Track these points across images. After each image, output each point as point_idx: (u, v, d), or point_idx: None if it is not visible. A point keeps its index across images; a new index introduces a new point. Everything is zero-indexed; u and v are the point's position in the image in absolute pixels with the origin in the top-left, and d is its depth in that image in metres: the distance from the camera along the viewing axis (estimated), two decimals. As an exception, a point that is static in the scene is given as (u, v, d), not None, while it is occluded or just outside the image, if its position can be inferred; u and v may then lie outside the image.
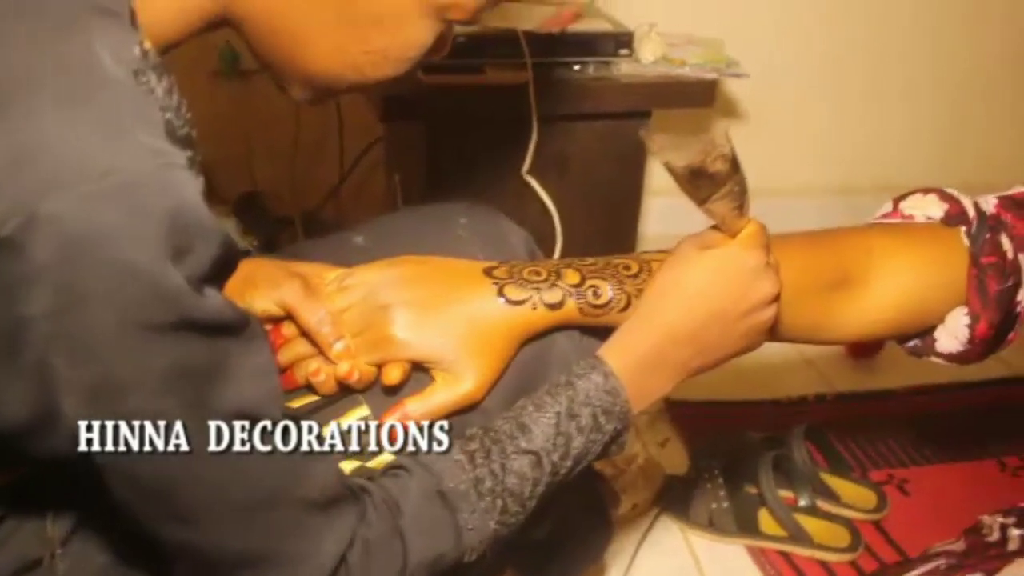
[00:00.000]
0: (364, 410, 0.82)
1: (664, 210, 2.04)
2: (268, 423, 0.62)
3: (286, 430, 0.64)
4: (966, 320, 0.92)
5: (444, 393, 0.81)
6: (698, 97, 1.67)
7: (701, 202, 0.77)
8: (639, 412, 0.82)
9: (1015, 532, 1.02)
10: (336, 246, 0.95)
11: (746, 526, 1.52)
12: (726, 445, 1.64)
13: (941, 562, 1.06)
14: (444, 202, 1.01)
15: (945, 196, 0.96)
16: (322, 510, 0.66)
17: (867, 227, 0.98)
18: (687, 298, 0.80)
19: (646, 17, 1.74)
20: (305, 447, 0.65)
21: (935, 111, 2.43)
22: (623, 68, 1.63)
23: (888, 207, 1.00)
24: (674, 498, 1.55)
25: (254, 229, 2.00)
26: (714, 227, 0.82)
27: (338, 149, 2.11)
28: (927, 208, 0.96)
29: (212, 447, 0.60)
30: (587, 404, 0.77)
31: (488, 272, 0.85)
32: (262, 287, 0.84)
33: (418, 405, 0.80)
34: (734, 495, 1.53)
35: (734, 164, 0.76)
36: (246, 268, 0.86)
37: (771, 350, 1.97)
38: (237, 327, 0.60)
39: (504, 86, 1.52)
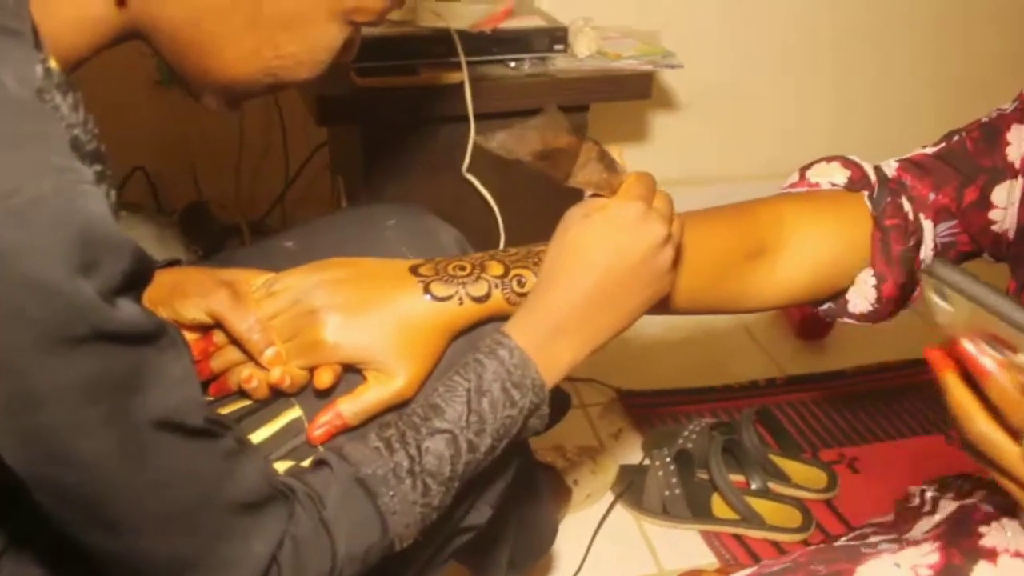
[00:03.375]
0: (297, 412, 0.83)
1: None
2: (190, 429, 0.62)
3: (208, 435, 0.64)
4: (873, 281, 0.94)
5: (376, 392, 0.82)
6: (634, 90, 1.68)
7: (566, 179, 0.78)
8: (557, 382, 0.82)
9: (929, 495, 1.05)
10: (267, 251, 0.96)
11: (699, 511, 1.53)
12: (677, 433, 1.66)
13: (867, 530, 1.09)
14: (385, 204, 1.02)
15: (847, 163, 0.99)
16: (250, 512, 0.66)
17: (777, 197, 1.01)
18: (577, 262, 0.81)
19: (583, 12, 1.76)
20: (228, 451, 0.66)
21: (869, 95, 2.46)
22: (559, 63, 1.64)
23: (795, 177, 1.03)
24: (628, 487, 1.57)
25: (200, 238, 1.99)
26: (594, 195, 0.83)
27: (283, 156, 2.11)
28: (831, 175, 0.99)
29: (134, 456, 0.60)
30: (496, 379, 0.77)
31: (414, 270, 0.86)
32: (191, 296, 0.84)
33: (350, 405, 0.81)
34: (686, 481, 1.55)
35: (577, 133, 0.77)
36: (175, 277, 0.87)
37: (721, 336, 2.03)
38: (153, 336, 0.60)
39: (439, 86, 1.52)
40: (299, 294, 0.84)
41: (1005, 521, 0.87)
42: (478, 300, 0.84)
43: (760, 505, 1.53)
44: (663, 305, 0.89)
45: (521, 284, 0.85)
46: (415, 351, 0.83)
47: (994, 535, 0.86)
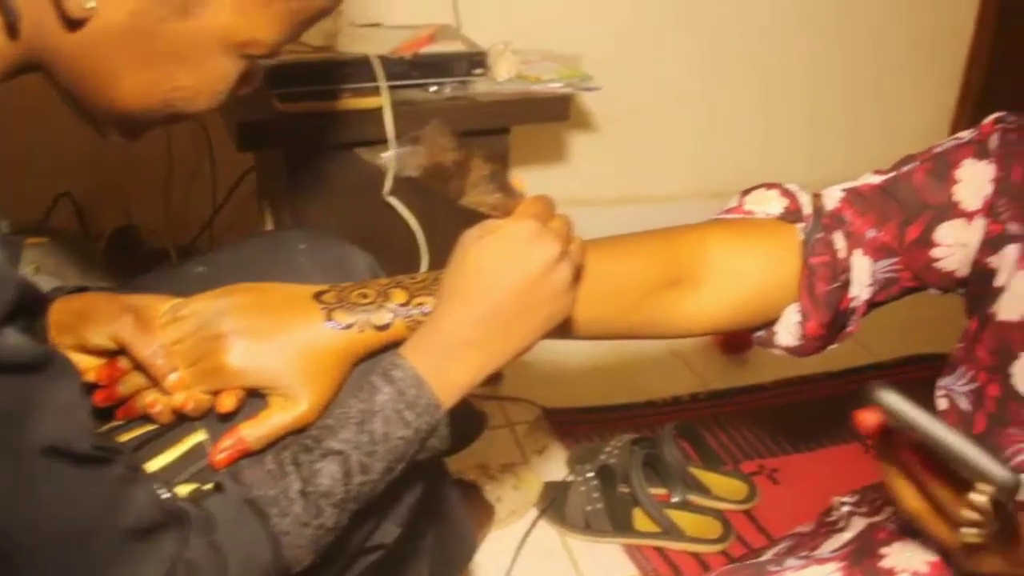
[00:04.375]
0: (202, 436, 0.84)
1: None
2: (78, 456, 0.63)
3: (97, 462, 0.65)
4: (798, 317, 0.94)
5: (278, 417, 0.83)
6: (553, 112, 1.71)
7: (459, 197, 0.80)
8: (454, 402, 0.83)
9: (845, 509, 1.07)
10: (177, 277, 0.97)
11: (621, 525, 1.56)
12: (600, 448, 1.69)
13: (784, 545, 1.12)
14: (297, 229, 1.04)
15: (786, 192, 0.98)
16: (141, 538, 0.67)
17: (707, 224, 1.00)
18: (470, 283, 0.82)
19: (508, 36, 1.79)
20: (118, 477, 0.67)
21: (787, 119, 2.52)
22: (479, 87, 1.66)
23: (734, 201, 1.02)
24: (551, 503, 1.59)
25: (128, 263, 1.99)
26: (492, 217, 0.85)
27: (211, 181, 2.12)
28: (768, 204, 0.98)
29: (22, 483, 0.61)
30: (389, 401, 0.79)
31: (317, 297, 0.87)
32: (97, 322, 0.85)
33: (253, 429, 0.83)
34: (608, 496, 1.58)
35: (464, 150, 0.78)
36: (82, 304, 0.88)
37: (646, 353, 2.06)
38: (40, 365, 0.61)
39: (359, 111, 1.54)
40: (204, 319, 0.85)
41: (907, 541, 0.89)
42: (380, 328, 0.86)
43: (680, 517, 1.57)
44: (568, 328, 0.90)
45: (424, 311, 0.87)
46: (317, 376, 0.84)
47: (895, 556, 0.88)
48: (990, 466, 0.60)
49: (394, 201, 1.60)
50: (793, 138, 2.49)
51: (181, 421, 0.85)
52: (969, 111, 2.68)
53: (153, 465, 0.83)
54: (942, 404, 0.91)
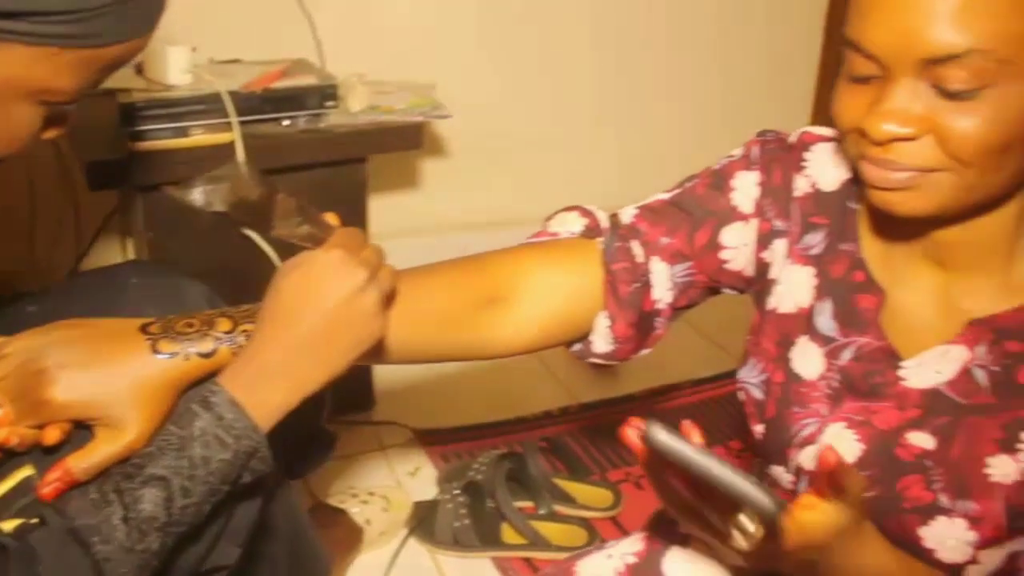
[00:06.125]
0: (29, 470, 0.86)
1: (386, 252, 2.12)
2: None
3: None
4: (607, 322, 1.00)
5: (106, 447, 0.85)
6: (406, 141, 1.76)
7: (268, 230, 0.84)
8: (272, 424, 0.85)
9: None
10: (9, 316, 0.98)
11: (489, 539, 1.60)
12: (468, 465, 1.73)
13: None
14: (131, 263, 1.05)
15: (585, 212, 1.05)
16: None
17: (517, 247, 1.06)
18: (281, 310, 0.86)
19: (371, 67, 1.83)
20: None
21: (643, 137, 2.60)
22: (333, 119, 1.70)
23: (540, 227, 1.08)
24: (420, 522, 1.63)
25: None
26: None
27: (74, 224, 2.11)
28: (569, 224, 1.04)
29: None
30: (207, 426, 0.81)
31: (143, 329, 0.89)
32: (-78, 364, 0.87)
33: (79, 461, 0.84)
34: (476, 512, 1.62)
35: (270, 186, 0.82)
36: (-95, 347, 0.89)
37: (517, 370, 2.11)
38: None
39: (210, 146, 1.56)
40: (28, 355, 0.87)
41: None
42: (205, 356, 0.89)
43: (546, 528, 1.61)
44: (382, 351, 0.94)
45: (248, 338, 0.90)
46: (144, 406, 0.87)
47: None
48: (759, 497, 0.66)
49: (251, 234, 1.63)
50: (644, 160, 2.56)
51: (9, 457, 0.86)
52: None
53: (-20, 502, 0.84)
54: (740, 396, 0.97)
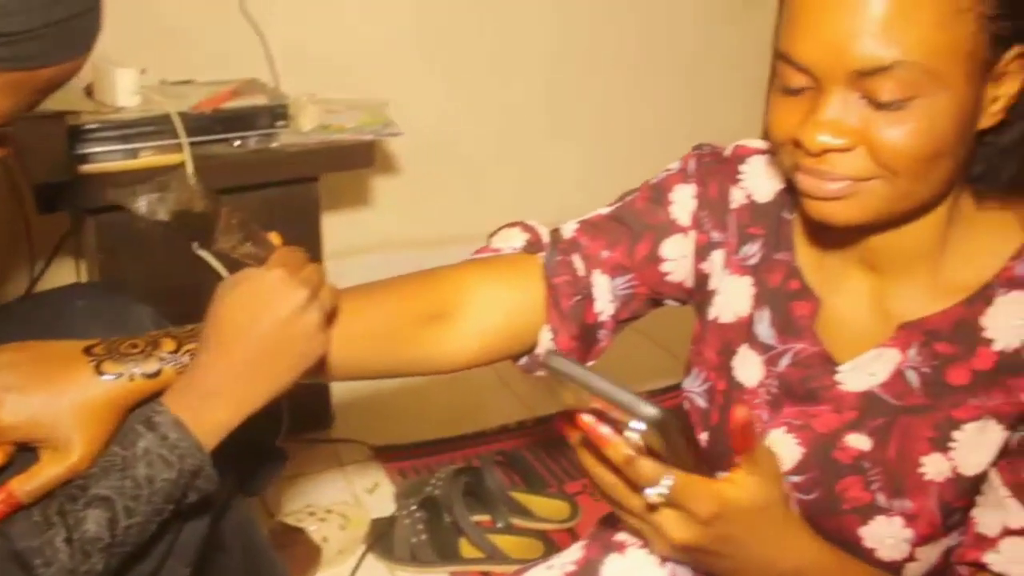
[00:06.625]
0: (-27, 494, 0.86)
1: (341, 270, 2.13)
2: None
3: None
4: (550, 335, 1.01)
5: (50, 469, 0.85)
6: (357, 159, 1.77)
7: (211, 244, 0.84)
8: (216, 443, 0.86)
9: None
10: (-46, 342, 0.98)
11: (447, 554, 1.60)
12: (426, 481, 1.73)
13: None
14: (78, 284, 1.05)
15: (527, 227, 1.06)
16: None
17: (460, 263, 1.07)
18: (222, 329, 0.87)
19: (324, 86, 1.84)
20: None
21: (595, 150, 2.62)
22: (284, 138, 1.71)
23: (484, 243, 1.09)
24: (378, 539, 1.63)
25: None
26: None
27: (28, 247, 2.09)
28: (512, 240, 1.06)
29: None
30: (151, 445, 0.82)
31: (87, 350, 0.90)
32: None
33: (23, 484, 0.84)
34: (433, 527, 1.62)
35: (215, 200, 0.83)
36: None
37: (474, 384, 2.12)
38: None
39: (160, 167, 1.57)
40: (-28, 380, 0.87)
41: None
42: (149, 376, 0.89)
43: (504, 541, 1.62)
44: (326, 369, 0.95)
45: (192, 358, 0.90)
46: (88, 426, 0.87)
47: (628, 531, 0.98)
48: (637, 404, 0.69)
49: (204, 254, 1.63)
50: (602, 174, 2.57)
51: (-48, 482, 0.86)
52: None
53: (-77, 527, 0.83)
54: (685, 406, 0.99)
